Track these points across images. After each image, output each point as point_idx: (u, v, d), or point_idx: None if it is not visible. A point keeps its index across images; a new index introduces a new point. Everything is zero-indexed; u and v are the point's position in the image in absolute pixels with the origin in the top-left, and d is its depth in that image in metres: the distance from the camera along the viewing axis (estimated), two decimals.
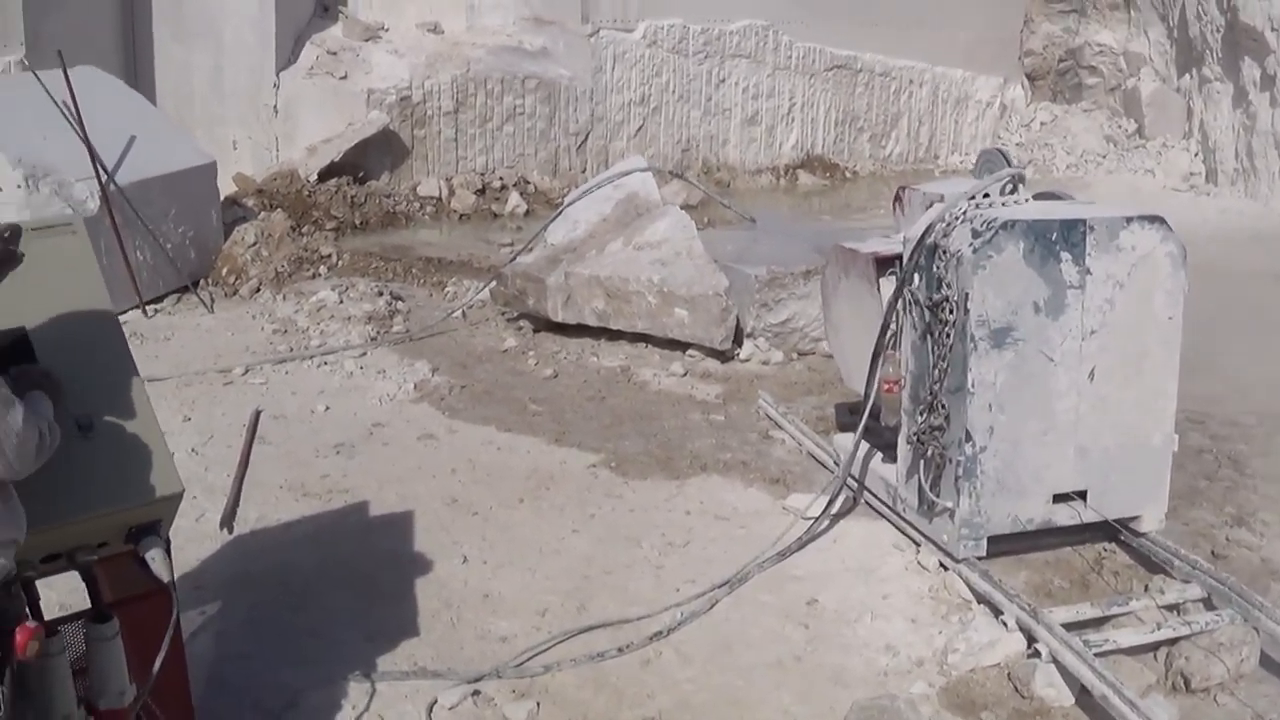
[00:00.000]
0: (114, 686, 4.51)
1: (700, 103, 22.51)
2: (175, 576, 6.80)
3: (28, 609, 4.32)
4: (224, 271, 14.80)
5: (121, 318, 12.51)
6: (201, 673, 6.23)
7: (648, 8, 21.56)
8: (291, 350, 12.03)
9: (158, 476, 4.52)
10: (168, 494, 4.54)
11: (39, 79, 13.72)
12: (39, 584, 4.51)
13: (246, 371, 11.34)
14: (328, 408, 10.35)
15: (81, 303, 4.81)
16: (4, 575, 3.95)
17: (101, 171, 13.34)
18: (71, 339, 4.67)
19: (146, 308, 13.58)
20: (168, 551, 4.63)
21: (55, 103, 13.46)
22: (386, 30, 20.36)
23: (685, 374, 11.02)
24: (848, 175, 24.05)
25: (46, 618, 4.52)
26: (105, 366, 4.69)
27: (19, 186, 12.68)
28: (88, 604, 4.64)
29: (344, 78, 19.35)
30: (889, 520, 7.90)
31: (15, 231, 4.79)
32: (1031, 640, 6.44)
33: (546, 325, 12.18)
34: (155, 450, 4.57)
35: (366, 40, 20.00)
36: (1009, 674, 6.30)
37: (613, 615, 6.87)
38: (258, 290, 14.29)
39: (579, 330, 11.93)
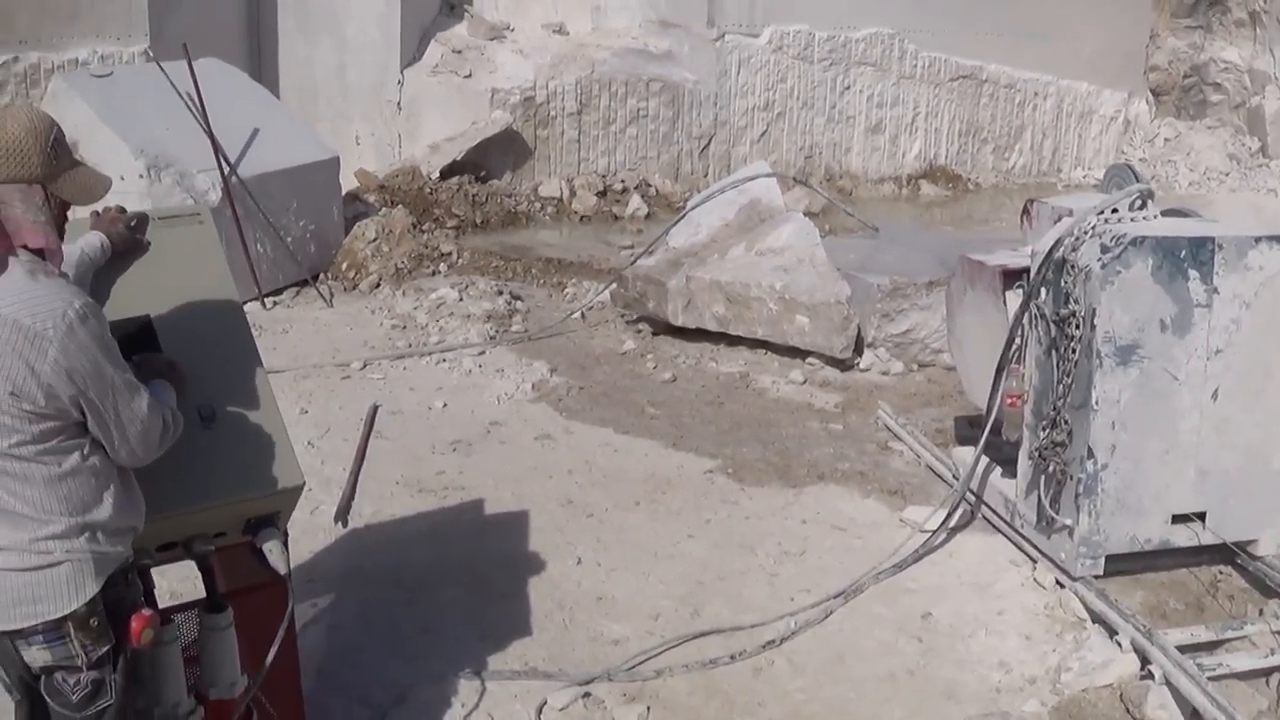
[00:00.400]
0: (225, 677, 4.53)
1: (824, 110, 22.37)
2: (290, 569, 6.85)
3: (145, 597, 4.34)
4: (344, 266, 14.88)
5: None
6: (311, 665, 6.23)
7: (773, 13, 21.46)
8: (410, 346, 12.04)
9: (279, 468, 4.53)
10: (288, 486, 4.54)
11: (163, 70, 13.85)
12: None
13: (364, 366, 11.37)
14: (445, 405, 10.35)
15: (207, 292, 4.83)
16: (121, 563, 3.97)
17: (224, 163, 13.44)
18: (196, 328, 4.69)
19: (265, 300, 13.68)
20: (285, 544, 4.63)
21: (179, 94, 13.57)
22: (511, 30, 20.38)
23: (804, 382, 10.92)
24: (970, 186, 23.81)
25: (160, 605, 4.51)
26: (229, 356, 4.70)
27: (141, 176, 12.79)
28: (200, 593, 4.63)
29: (468, 76, 19.38)
30: (1006, 536, 7.78)
31: (142, 220, 4.82)
32: (1145, 662, 6.33)
33: (666, 329, 12.12)
34: (277, 442, 4.58)
35: (491, 39, 20.03)
36: (1121, 695, 6.19)
37: (726, 622, 6.81)
38: (377, 286, 14.34)
39: (698, 335, 11.86)
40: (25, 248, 3.74)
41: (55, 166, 3.79)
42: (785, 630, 6.72)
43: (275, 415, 4.64)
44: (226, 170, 13.44)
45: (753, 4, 21.22)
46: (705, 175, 20.83)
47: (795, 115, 22.01)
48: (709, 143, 21.09)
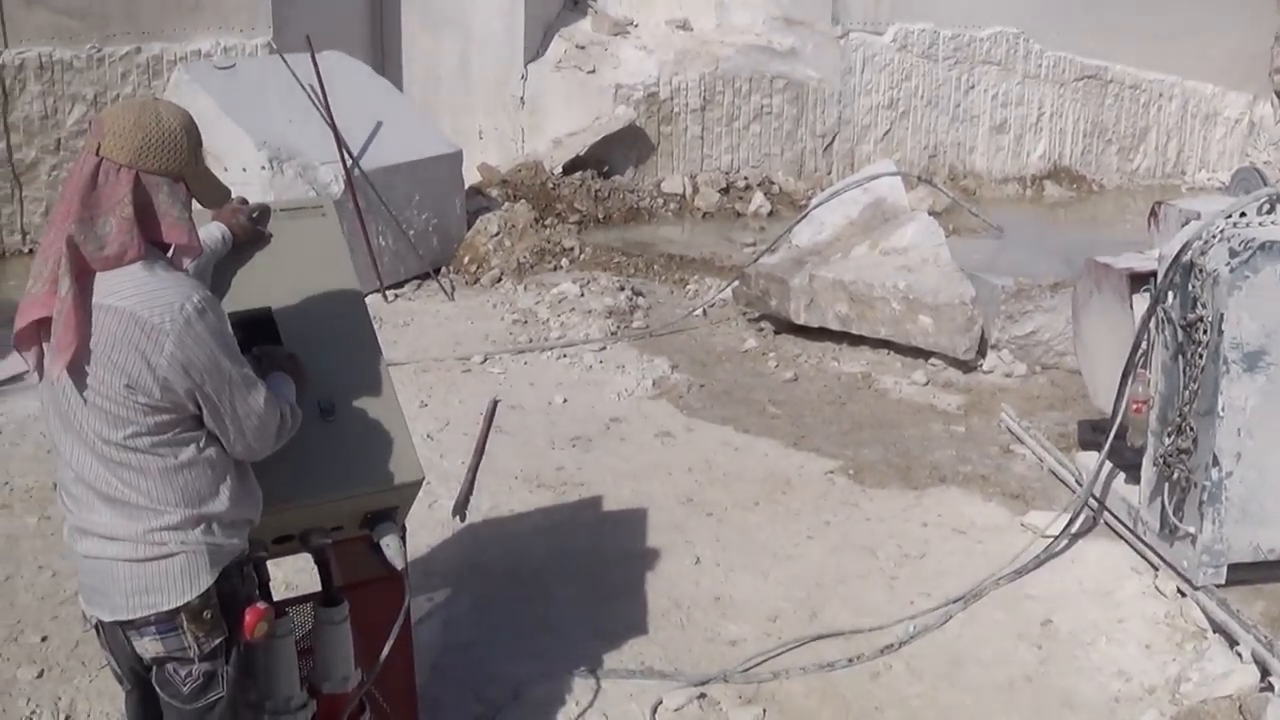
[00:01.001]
0: (339, 671, 4.53)
1: (949, 109, 22.14)
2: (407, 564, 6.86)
3: (260, 589, 4.35)
4: (466, 260, 14.91)
5: None
6: (426, 660, 6.25)
7: (898, 10, 21.27)
8: (531, 341, 12.04)
9: (398, 463, 4.52)
10: (407, 481, 4.54)
11: (286, 62, 13.94)
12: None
13: (485, 360, 11.38)
14: (565, 400, 10.34)
15: (329, 284, 4.84)
16: (236, 555, 3.97)
17: (346, 156, 13.49)
18: (317, 321, 4.70)
19: (387, 292, 13.72)
20: (403, 539, 4.62)
21: (302, 86, 13.65)
22: (635, 26, 20.33)
23: (927, 383, 10.79)
24: (1094, 188, 23.44)
25: (275, 597, 4.52)
26: (350, 349, 4.70)
27: (264, 168, 12.89)
28: (316, 586, 4.63)
29: (592, 72, 19.37)
30: (1128, 543, 7.64)
31: (264, 212, 4.84)
32: (1265, 673, 6.20)
33: (788, 327, 12.01)
34: (397, 436, 4.57)
35: (615, 35, 20.00)
36: (1240, 707, 6.03)
37: (844, 625, 6.75)
38: (499, 280, 14.35)
39: (820, 334, 11.75)
40: (155, 242, 3.75)
41: (196, 165, 3.84)
42: (904, 634, 6.65)
43: (396, 409, 4.64)
44: (349, 163, 13.50)
45: (877, 2, 21.05)
46: (829, 173, 20.68)
47: (919, 114, 21.80)
48: (833, 140, 20.94)
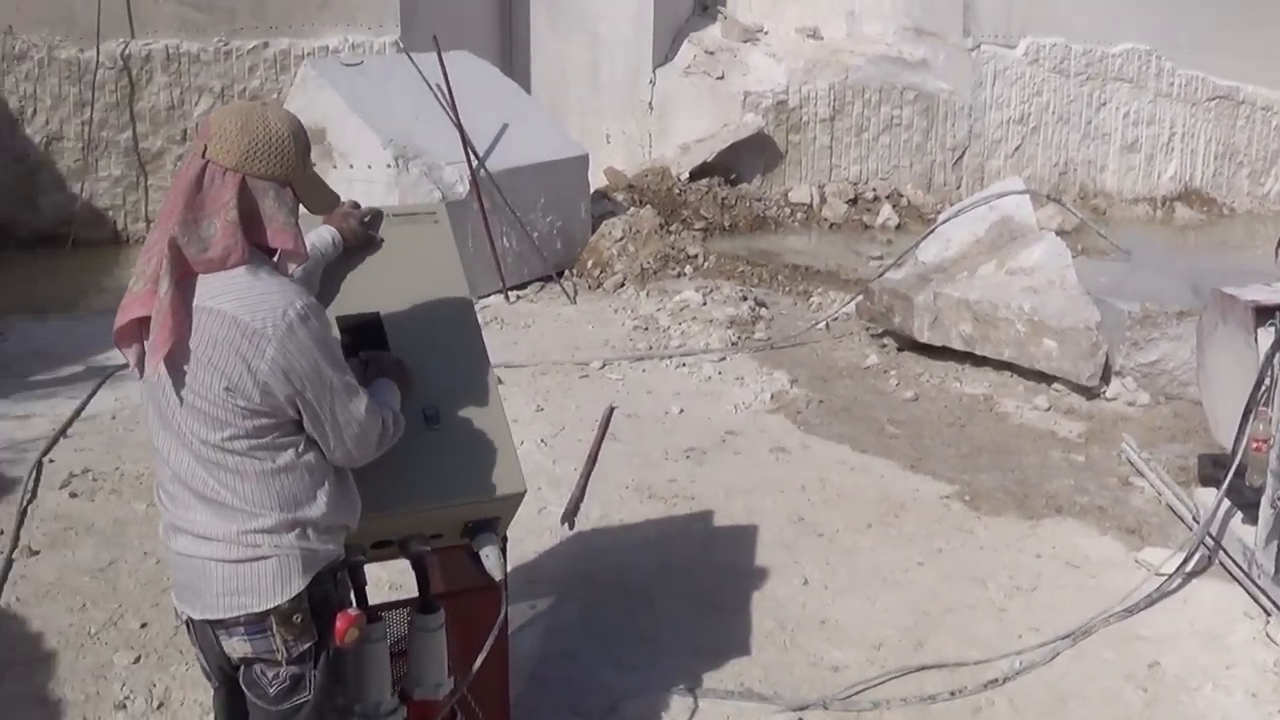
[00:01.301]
0: (431, 678, 4.51)
1: (1079, 125, 21.88)
2: (510, 571, 6.85)
3: (354, 593, 4.34)
4: (589, 264, 14.92)
5: (484, 302, 12.80)
6: (525, 668, 6.22)
7: (1030, 24, 21.05)
8: (651, 348, 12.00)
9: (501, 474, 4.49)
10: (509, 493, 4.51)
11: (413, 61, 14.02)
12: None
13: (604, 366, 11.36)
14: (682, 410, 10.27)
15: (439, 291, 4.82)
16: (331, 561, 3.95)
17: (472, 156, 13.53)
18: (426, 327, 4.68)
19: (509, 294, 13.74)
20: (503, 550, 4.59)
21: (429, 85, 13.72)
22: (765, 33, 20.26)
23: (1049, 408, 10.59)
24: (1224, 211, 23.06)
25: (375, 596, 4.50)
26: (458, 358, 4.68)
27: (389, 166, 12.95)
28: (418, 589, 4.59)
29: (720, 78, 19.33)
30: (1242, 585, 7.44)
31: (376, 216, 4.82)
32: None
33: (911, 345, 11.86)
34: (501, 447, 4.54)
35: (745, 42, 19.95)
36: None
37: (949, 656, 6.61)
38: (621, 285, 14.34)
39: (943, 352, 11.59)
40: (259, 246, 3.74)
41: (303, 170, 3.82)
42: (1009, 670, 6.50)
43: (501, 420, 4.61)
44: (474, 163, 13.53)
45: (1009, 15, 20.84)
46: (958, 187, 20.53)
47: (1050, 130, 21.57)
48: (962, 154, 20.78)
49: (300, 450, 3.82)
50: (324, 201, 3.95)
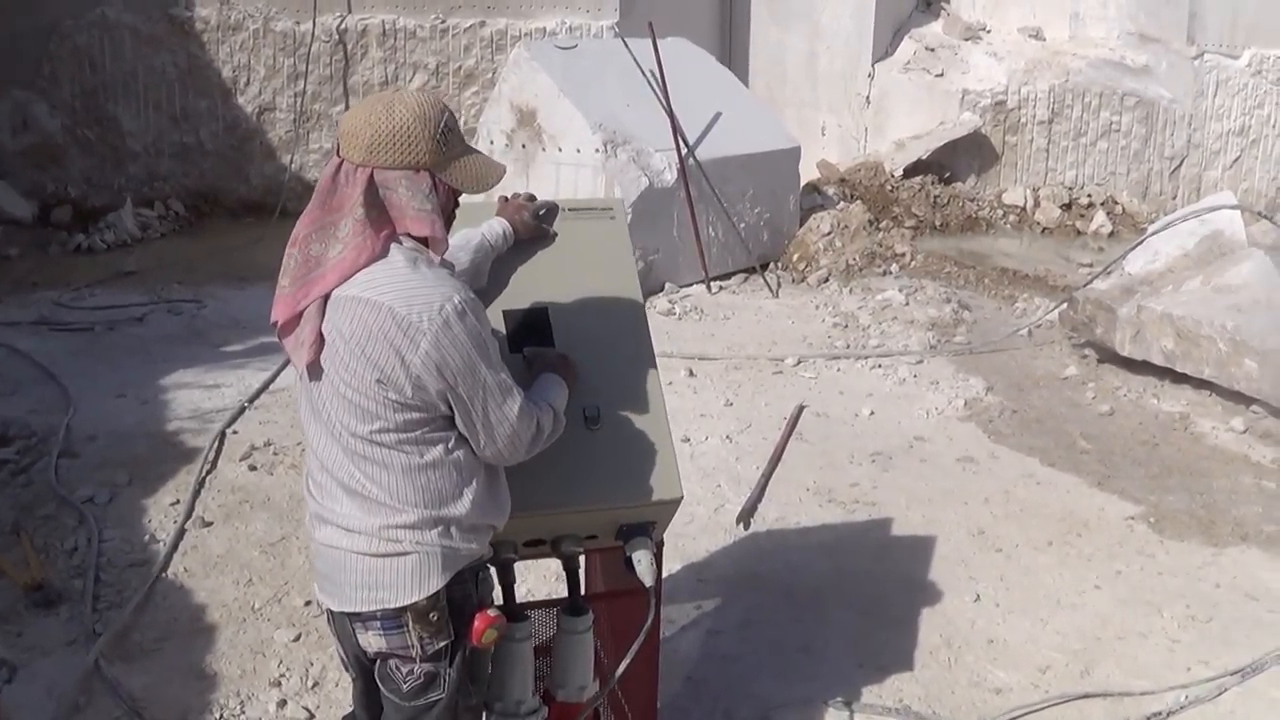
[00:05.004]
0: (576, 680, 4.50)
1: None
2: (679, 570, 6.83)
3: (504, 591, 4.33)
4: (794, 257, 14.81)
5: (685, 291, 12.78)
6: (681, 670, 6.20)
7: (1255, 35, 20.39)
8: (848, 347, 11.89)
9: (658, 478, 4.45)
10: (666, 498, 4.46)
11: (626, 46, 14.01)
12: None
13: (798, 363, 11.26)
14: (872, 413, 10.14)
15: (610, 289, 4.77)
16: (473, 560, 3.94)
17: (682, 144, 13.49)
18: (593, 325, 4.65)
19: (711, 284, 13.69)
20: (659, 554, 4.55)
21: (641, 71, 13.71)
22: (987, 31, 19.96)
23: (1245, 431, 10.23)
24: None
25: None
26: (624, 357, 4.63)
27: (597, 151, 12.97)
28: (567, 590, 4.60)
29: (940, 75, 19.08)
30: None
31: (551, 209, 4.80)
32: None
33: (1112, 357, 11.59)
34: (661, 450, 4.49)
35: (966, 40, 19.67)
36: None
37: (1115, 685, 6.42)
38: (825, 280, 14.21)
39: (1144, 367, 11.28)
40: (409, 235, 3.73)
41: (444, 154, 3.75)
42: (1174, 704, 6.30)
43: (663, 423, 4.56)
44: (684, 151, 13.50)
45: (1234, 25, 20.23)
46: (1174, 198, 20.01)
47: (1271, 144, 20.91)
48: (1180, 164, 20.26)
49: (450, 446, 3.80)
50: (478, 181, 3.85)
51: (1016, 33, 19.96)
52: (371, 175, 3.66)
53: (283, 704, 6.00)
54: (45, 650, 6.34)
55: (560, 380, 4.22)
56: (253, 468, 8.43)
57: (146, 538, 7.48)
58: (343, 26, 16.40)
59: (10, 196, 15.28)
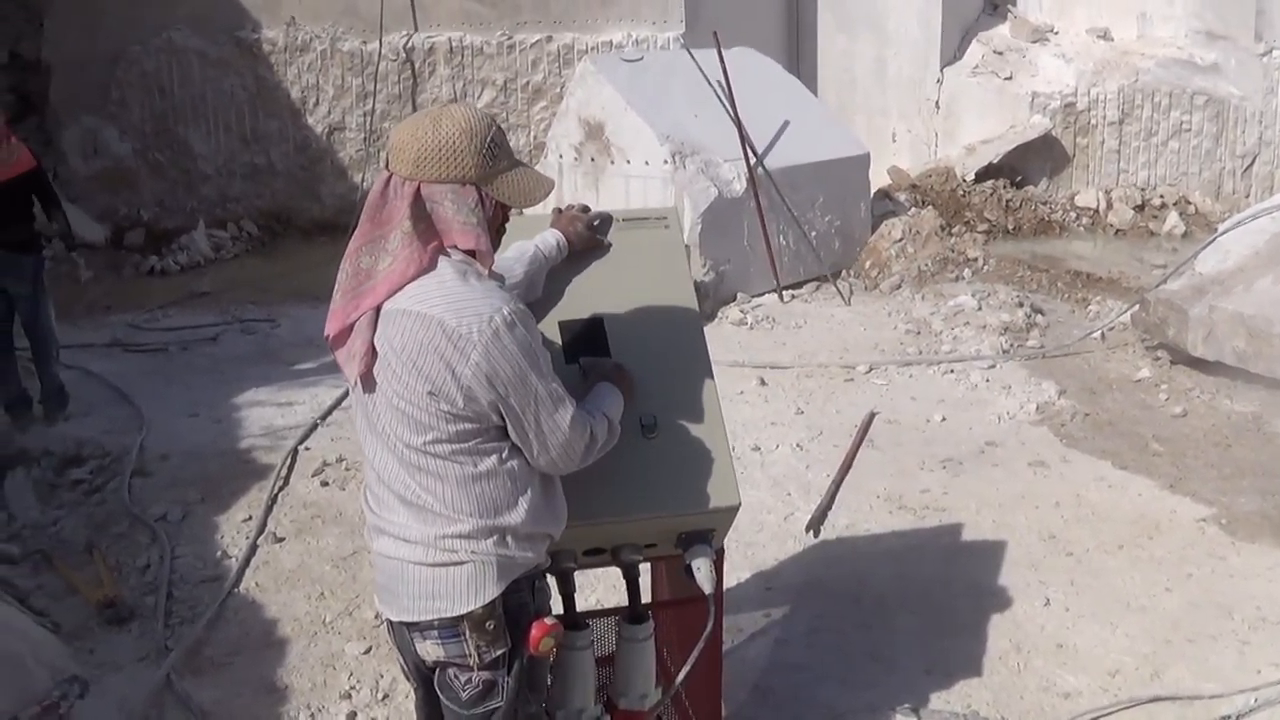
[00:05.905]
0: (637, 689, 4.50)
1: None
2: (748, 578, 6.83)
3: (563, 600, 4.34)
4: (866, 264, 14.77)
5: (757, 301, 12.78)
6: (749, 678, 6.20)
7: None
8: (920, 353, 11.85)
9: (716, 487, 4.44)
10: (723, 506, 4.46)
11: (693, 57, 14.05)
12: None
13: (870, 370, 11.23)
14: (944, 419, 10.11)
15: (665, 298, 4.77)
16: (530, 569, 3.95)
17: (750, 154, 13.50)
18: (649, 334, 4.65)
19: (783, 293, 13.68)
20: (720, 562, 4.55)
21: (708, 81, 13.73)
22: (1055, 33, 19.84)
23: None
24: None
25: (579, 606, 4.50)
26: (679, 366, 4.63)
27: (666, 163, 13.02)
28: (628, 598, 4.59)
29: (1009, 78, 18.99)
30: None
31: (605, 220, 4.82)
32: None
33: (1185, 358, 11.47)
34: (718, 458, 4.49)
35: (1034, 42, 19.57)
36: None
37: (1185, 689, 6.35)
38: (898, 287, 14.15)
39: (1216, 368, 11.16)
40: (455, 248, 3.75)
41: (490, 168, 3.77)
42: (1244, 706, 6.22)
43: (720, 431, 4.55)
44: (752, 161, 13.50)
45: None
46: (1247, 196, 19.77)
47: None
48: (1252, 162, 20.04)
49: (504, 456, 3.82)
50: (525, 195, 3.88)
51: (1084, 33, 19.83)
52: (419, 189, 3.70)
53: (353, 716, 6.06)
54: (117, 666, 6.43)
55: (615, 389, 4.23)
56: (324, 483, 8.51)
57: (219, 554, 7.58)
58: (409, 45, 16.54)
59: (83, 221, 15.42)
